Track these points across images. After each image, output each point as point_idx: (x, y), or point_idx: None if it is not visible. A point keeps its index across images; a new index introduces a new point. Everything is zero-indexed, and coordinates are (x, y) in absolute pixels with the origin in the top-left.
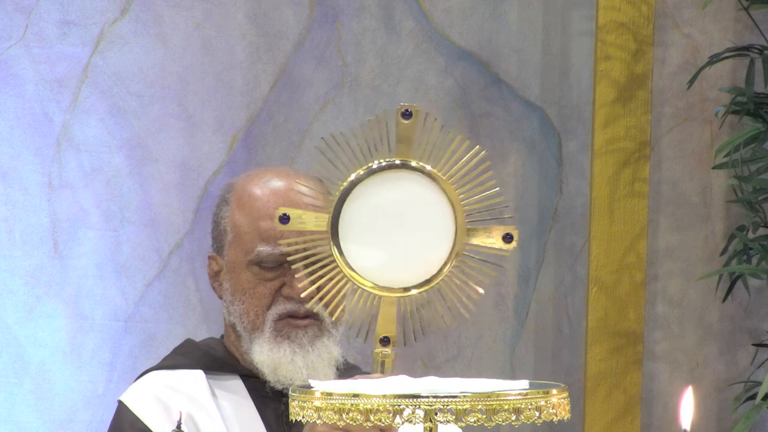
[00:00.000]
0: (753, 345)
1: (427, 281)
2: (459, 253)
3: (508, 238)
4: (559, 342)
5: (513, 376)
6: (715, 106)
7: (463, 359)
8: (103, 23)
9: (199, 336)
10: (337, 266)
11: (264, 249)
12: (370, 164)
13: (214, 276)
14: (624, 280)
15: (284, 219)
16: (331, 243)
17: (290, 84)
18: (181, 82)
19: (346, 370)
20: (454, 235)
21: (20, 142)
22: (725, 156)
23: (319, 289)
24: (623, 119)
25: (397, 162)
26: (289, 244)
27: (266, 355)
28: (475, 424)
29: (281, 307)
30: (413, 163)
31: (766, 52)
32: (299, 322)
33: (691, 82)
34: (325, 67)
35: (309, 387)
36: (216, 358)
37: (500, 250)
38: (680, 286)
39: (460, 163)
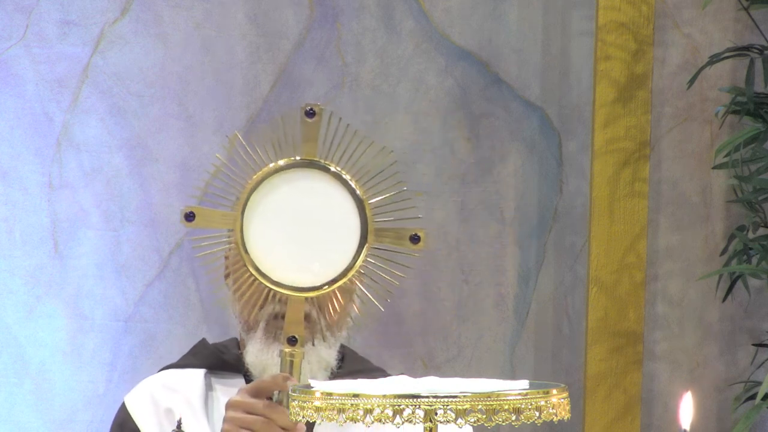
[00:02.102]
0: (753, 345)
1: (334, 281)
2: (366, 253)
3: (415, 239)
4: (559, 342)
5: (513, 376)
6: (715, 106)
7: (463, 359)
8: (103, 23)
9: (199, 336)
10: (244, 265)
11: None
12: (275, 163)
13: (227, 275)
14: (624, 280)
15: (189, 216)
16: (239, 242)
17: (290, 84)
18: (181, 82)
19: (370, 372)
20: (361, 235)
21: (20, 142)
22: (725, 156)
23: (237, 290)
24: (623, 119)
25: (302, 161)
26: (196, 242)
27: (256, 356)
28: (475, 424)
29: (274, 308)
30: (317, 162)
31: (766, 52)
32: None
33: (691, 82)
34: (325, 67)
35: (309, 387)
36: (221, 358)
37: (408, 251)
38: (680, 286)
39: (367, 162)
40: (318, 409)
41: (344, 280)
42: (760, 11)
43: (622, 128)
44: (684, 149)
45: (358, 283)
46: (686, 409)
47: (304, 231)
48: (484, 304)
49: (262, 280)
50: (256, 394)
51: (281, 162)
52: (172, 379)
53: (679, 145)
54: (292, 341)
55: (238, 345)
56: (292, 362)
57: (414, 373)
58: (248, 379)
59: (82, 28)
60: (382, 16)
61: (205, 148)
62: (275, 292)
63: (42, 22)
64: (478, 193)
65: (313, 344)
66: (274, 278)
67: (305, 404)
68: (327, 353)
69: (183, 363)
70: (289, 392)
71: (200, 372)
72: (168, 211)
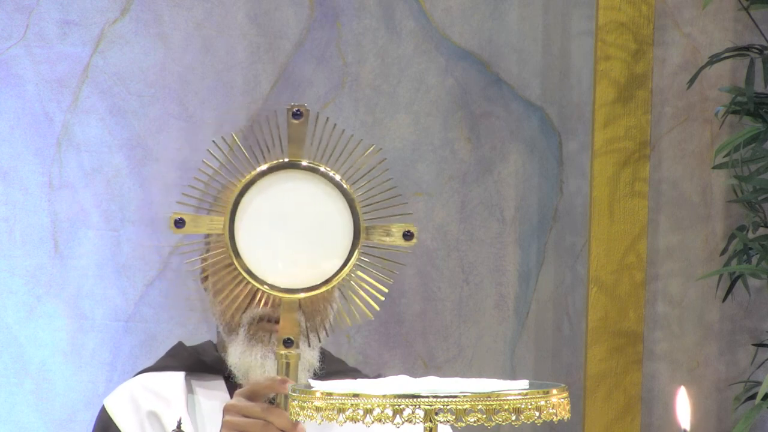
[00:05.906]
0: (753, 345)
1: (328, 281)
2: (358, 252)
3: (408, 235)
4: (559, 342)
5: (513, 376)
6: (715, 106)
7: (463, 359)
8: (104, 23)
9: (199, 336)
10: (236, 269)
11: None
12: (262, 165)
13: (206, 278)
14: (624, 280)
15: (179, 223)
16: (228, 246)
17: (290, 84)
18: (181, 82)
19: (344, 373)
20: (352, 235)
21: (20, 142)
22: (725, 156)
23: (220, 292)
24: (623, 119)
25: (289, 162)
26: (186, 249)
27: (238, 357)
28: (475, 424)
29: (257, 310)
30: (306, 163)
31: (766, 52)
32: (273, 326)
33: (691, 82)
34: (326, 67)
35: (309, 387)
36: (200, 360)
37: (400, 248)
38: (680, 286)
39: (355, 161)
40: (318, 409)
41: (338, 279)
42: (760, 11)
43: (622, 128)
44: (684, 149)
45: (353, 283)
46: (683, 405)
47: (293, 232)
48: (484, 304)
49: (256, 284)
50: (252, 396)
51: (268, 164)
52: (152, 382)
53: (679, 145)
54: (287, 343)
55: (215, 347)
56: (288, 364)
57: (414, 373)
58: (230, 381)
59: (82, 28)
60: (382, 16)
61: (205, 148)
62: (261, 294)
63: (42, 22)
64: (478, 193)
65: (309, 345)
66: (268, 281)
67: (305, 404)
68: (310, 355)
69: (161, 366)
70: (289, 393)
71: (180, 374)
72: (168, 211)
